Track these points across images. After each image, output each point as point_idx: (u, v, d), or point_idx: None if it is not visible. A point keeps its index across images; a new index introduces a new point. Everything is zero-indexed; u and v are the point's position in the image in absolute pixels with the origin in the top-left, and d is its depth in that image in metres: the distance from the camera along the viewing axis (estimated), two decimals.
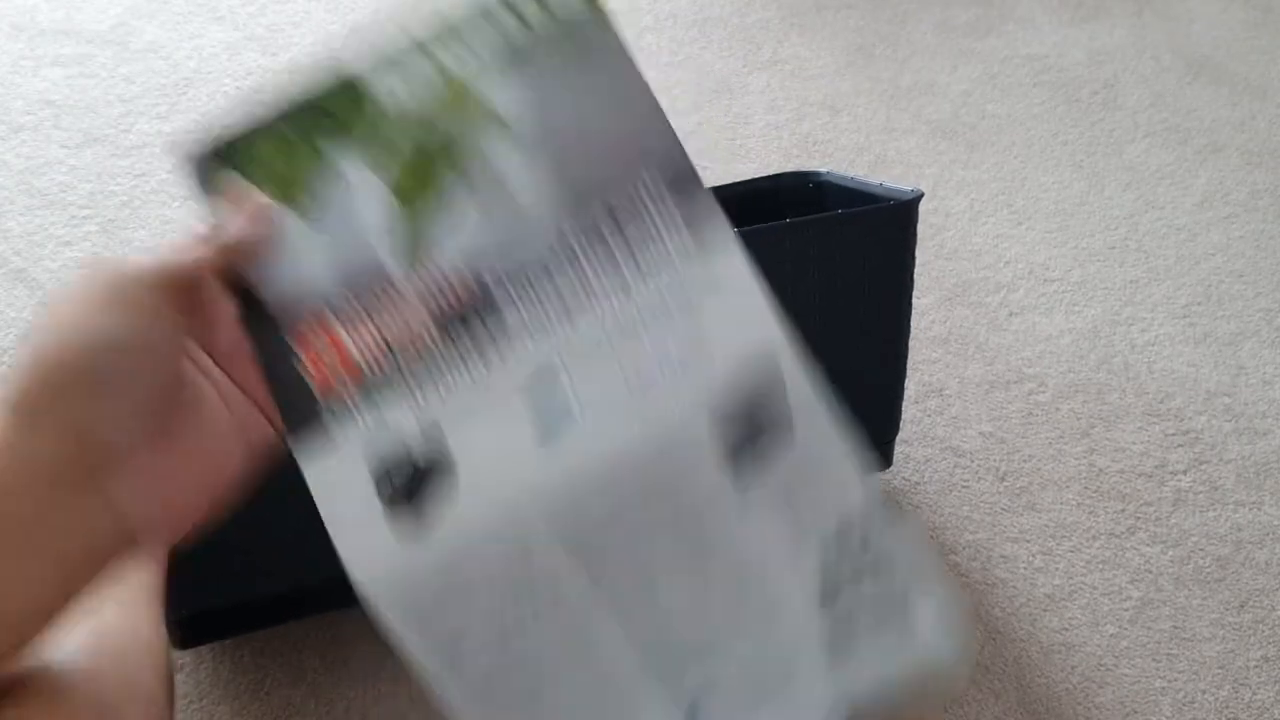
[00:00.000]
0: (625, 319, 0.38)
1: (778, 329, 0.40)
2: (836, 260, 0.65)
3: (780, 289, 0.62)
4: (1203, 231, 1.06)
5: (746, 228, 0.61)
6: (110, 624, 0.38)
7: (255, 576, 0.61)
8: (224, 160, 0.37)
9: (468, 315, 0.37)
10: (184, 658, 0.66)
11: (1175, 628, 0.70)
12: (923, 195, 0.66)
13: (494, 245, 0.38)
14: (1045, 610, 0.70)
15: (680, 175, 0.39)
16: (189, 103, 1.20)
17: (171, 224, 1.02)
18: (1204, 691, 0.66)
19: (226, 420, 0.37)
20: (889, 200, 0.68)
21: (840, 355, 0.68)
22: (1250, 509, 0.78)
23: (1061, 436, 0.83)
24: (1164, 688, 0.66)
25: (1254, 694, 0.66)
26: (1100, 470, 0.80)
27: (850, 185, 0.72)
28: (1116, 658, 0.68)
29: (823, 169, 0.76)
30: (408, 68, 0.39)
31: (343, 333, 0.37)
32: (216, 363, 0.38)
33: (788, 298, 0.63)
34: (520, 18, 0.39)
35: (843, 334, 0.68)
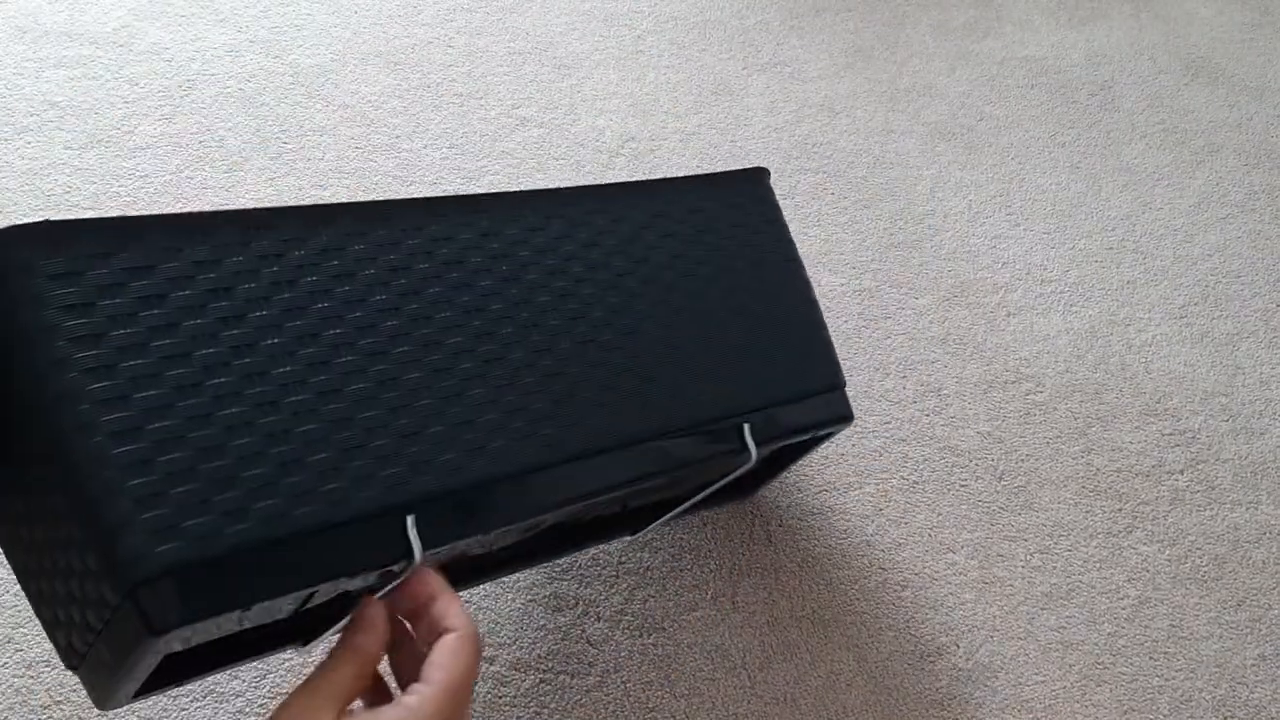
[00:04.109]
0: None
1: None
2: (694, 220, 0.68)
3: (652, 245, 0.66)
4: (1200, 232, 1.07)
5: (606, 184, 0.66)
6: None
7: None
8: None
9: None
10: None
11: (1172, 626, 0.70)
12: (769, 172, 0.71)
13: None
14: (1043, 609, 0.71)
15: None
16: (192, 105, 1.21)
17: None
18: (1201, 690, 0.67)
19: None
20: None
21: (756, 319, 0.70)
22: (1247, 508, 0.78)
23: (1059, 436, 0.83)
24: (1161, 686, 0.67)
25: (1250, 692, 0.66)
26: (1097, 469, 0.81)
27: None
28: (1114, 656, 0.68)
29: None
30: None
31: None
32: None
33: (668, 255, 0.67)
34: None
35: (750, 300, 0.70)
